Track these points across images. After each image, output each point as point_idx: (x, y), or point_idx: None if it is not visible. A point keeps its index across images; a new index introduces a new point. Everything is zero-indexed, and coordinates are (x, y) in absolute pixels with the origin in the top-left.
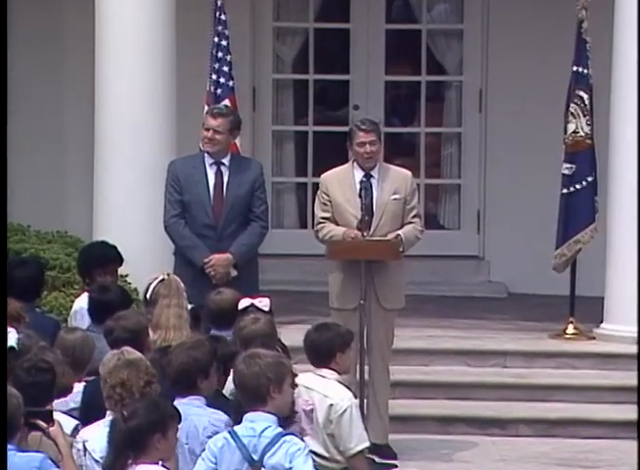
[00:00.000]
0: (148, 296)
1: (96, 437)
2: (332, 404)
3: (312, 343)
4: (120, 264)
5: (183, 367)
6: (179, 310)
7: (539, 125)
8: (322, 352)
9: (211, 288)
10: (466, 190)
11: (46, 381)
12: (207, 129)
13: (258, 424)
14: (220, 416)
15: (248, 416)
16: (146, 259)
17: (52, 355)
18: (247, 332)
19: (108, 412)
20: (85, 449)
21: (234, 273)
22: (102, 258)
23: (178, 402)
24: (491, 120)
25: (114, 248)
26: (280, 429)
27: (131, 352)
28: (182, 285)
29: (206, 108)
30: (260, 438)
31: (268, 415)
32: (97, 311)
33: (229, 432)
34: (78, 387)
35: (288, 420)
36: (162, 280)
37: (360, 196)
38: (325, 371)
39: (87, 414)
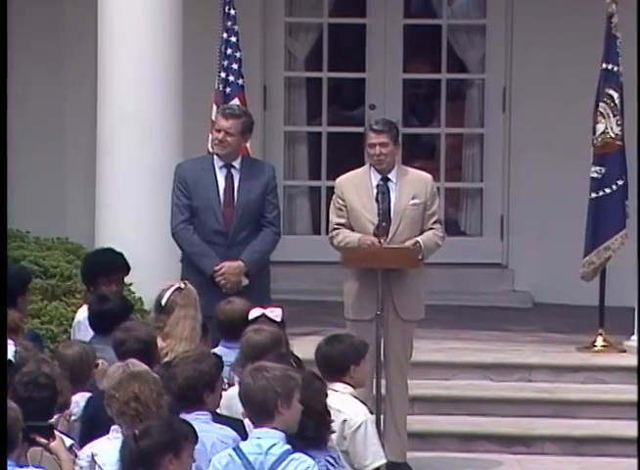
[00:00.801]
0: (163, 303)
1: (106, 450)
2: (345, 420)
3: (324, 356)
4: (127, 273)
5: (189, 382)
6: (194, 323)
7: (566, 126)
8: (334, 365)
9: (221, 297)
10: (488, 194)
11: (46, 396)
12: (218, 130)
13: (265, 441)
14: (228, 432)
15: (254, 432)
16: (151, 267)
17: (50, 369)
18: (244, 341)
19: (113, 427)
20: (95, 463)
21: (245, 282)
22: (108, 266)
23: (184, 418)
24: (515, 121)
25: (121, 255)
26: (288, 446)
27: (136, 365)
28: (197, 296)
29: (216, 107)
30: (267, 455)
31: (276, 432)
32: (98, 322)
33: (234, 449)
34: (76, 398)
35: (323, 439)
36: (180, 289)
37: (377, 201)
38: (338, 385)
39: (90, 428)
